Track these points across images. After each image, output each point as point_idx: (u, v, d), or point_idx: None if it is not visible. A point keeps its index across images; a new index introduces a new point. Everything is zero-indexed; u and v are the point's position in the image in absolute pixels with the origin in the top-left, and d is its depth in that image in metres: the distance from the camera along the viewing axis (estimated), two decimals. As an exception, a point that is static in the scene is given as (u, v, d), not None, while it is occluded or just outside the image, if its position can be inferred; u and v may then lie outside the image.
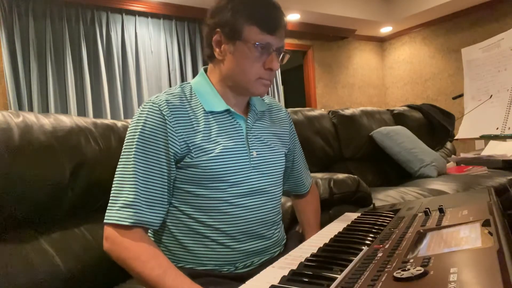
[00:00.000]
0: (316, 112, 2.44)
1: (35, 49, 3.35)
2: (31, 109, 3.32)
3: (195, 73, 4.21)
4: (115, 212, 0.85)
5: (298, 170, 1.21)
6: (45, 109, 3.39)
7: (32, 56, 3.33)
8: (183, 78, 4.17)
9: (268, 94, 1.08)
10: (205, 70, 1.04)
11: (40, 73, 3.38)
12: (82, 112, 3.55)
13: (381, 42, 6.08)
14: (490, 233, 0.65)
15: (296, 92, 5.91)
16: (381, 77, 6.13)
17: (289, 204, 1.40)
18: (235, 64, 0.94)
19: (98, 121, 1.32)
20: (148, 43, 3.99)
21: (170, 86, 4.04)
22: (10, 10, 3.26)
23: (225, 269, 0.95)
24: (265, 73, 0.95)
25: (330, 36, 5.40)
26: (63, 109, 3.48)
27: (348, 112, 2.60)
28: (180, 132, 0.91)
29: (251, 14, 0.91)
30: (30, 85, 3.32)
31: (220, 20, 0.93)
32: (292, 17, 4.68)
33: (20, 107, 3.25)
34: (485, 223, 0.71)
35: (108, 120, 1.37)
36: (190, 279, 0.79)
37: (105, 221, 0.86)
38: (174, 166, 0.91)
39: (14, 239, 1.05)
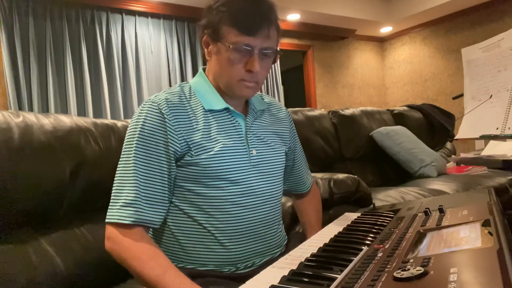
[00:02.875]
0: (316, 112, 2.44)
1: (35, 49, 3.35)
2: (31, 109, 3.32)
3: (195, 73, 4.21)
4: (116, 211, 0.85)
5: (298, 169, 1.21)
6: (45, 109, 3.39)
7: (32, 56, 3.33)
8: (183, 78, 4.17)
9: (268, 94, 1.08)
10: (204, 70, 1.05)
11: (40, 73, 3.38)
12: (82, 112, 3.55)
13: (381, 42, 6.08)
14: (490, 233, 0.65)
15: (296, 92, 5.92)
16: (381, 77, 6.13)
17: (289, 204, 1.40)
18: (218, 65, 0.95)
19: (98, 121, 1.32)
20: (148, 43, 3.99)
21: (170, 86, 4.02)
22: (10, 10, 3.25)
23: (226, 270, 0.95)
24: (246, 75, 0.94)
25: (330, 36, 5.40)
26: (63, 109, 3.48)
27: (348, 112, 2.60)
28: (179, 130, 0.91)
29: (230, 15, 0.90)
30: (30, 85, 3.32)
31: (207, 22, 0.95)
32: (292, 17, 4.68)
33: (20, 107, 3.25)
34: (485, 223, 0.71)
35: (108, 120, 1.37)
36: (190, 279, 0.79)
37: (106, 220, 0.86)
38: (174, 164, 0.92)
39: (14, 239, 1.05)
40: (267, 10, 0.93)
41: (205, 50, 0.98)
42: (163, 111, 0.91)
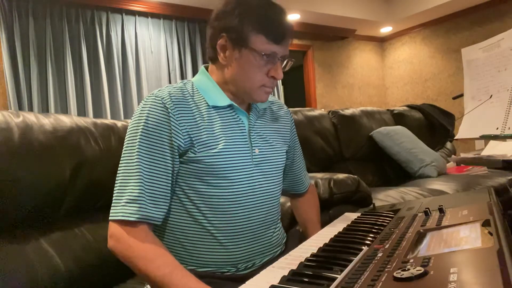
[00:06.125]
0: (316, 112, 2.44)
1: (35, 49, 3.35)
2: (31, 109, 3.32)
3: (195, 73, 4.21)
4: (121, 208, 0.84)
5: (297, 168, 1.21)
6: (45, 109, 3.38)
7: (32, 56, 3.32)
8: (183, 78, 4.17)
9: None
10: (206, 68, 1.04)
11: (40, 73, 3.38)
12: (82, 112, 3.55)
13: (381, 42, 6.08)
14: (490, 233, 0.65)
15: (296, 92, 5.91)
16: (381, 77, 6.12)
17: (289, 204, 1.39)
18: (240, 71, 0.94)
19: (98, 121, 1.32)
20: (148, 43, 3.99)
21: (170, 86, 4.03)
22: (10, 10, 3.25)
23: (226, 270, 0.95)
24: (269, 81, 0.96)
25: (330, 36, 5.40)
26: (63, 109, 3.48)
27: (348, 112, 2.60)
28: (183, 125, 0.90)
29: (259, 22, 0.90)
30: (30, 85, 3.32)
31: (226, 25, 0.92)
32: (292, 17, 4.68)
33: (20, 107, 3.25)
34: (485, 223, 0.71)
35: (108, 120, 1.37)
36: (196, 278, 0.79)
37: (110, 218, 0.85)
38: (178, 159, 0.91)
39: (14, 239, 1.05)
40: (288, 19, 0.96)
41: (220, 54, 0.95)
42: (167, 106, 0.89)
